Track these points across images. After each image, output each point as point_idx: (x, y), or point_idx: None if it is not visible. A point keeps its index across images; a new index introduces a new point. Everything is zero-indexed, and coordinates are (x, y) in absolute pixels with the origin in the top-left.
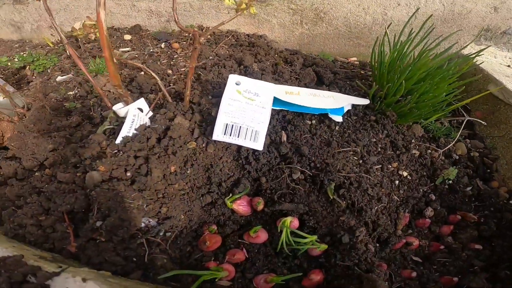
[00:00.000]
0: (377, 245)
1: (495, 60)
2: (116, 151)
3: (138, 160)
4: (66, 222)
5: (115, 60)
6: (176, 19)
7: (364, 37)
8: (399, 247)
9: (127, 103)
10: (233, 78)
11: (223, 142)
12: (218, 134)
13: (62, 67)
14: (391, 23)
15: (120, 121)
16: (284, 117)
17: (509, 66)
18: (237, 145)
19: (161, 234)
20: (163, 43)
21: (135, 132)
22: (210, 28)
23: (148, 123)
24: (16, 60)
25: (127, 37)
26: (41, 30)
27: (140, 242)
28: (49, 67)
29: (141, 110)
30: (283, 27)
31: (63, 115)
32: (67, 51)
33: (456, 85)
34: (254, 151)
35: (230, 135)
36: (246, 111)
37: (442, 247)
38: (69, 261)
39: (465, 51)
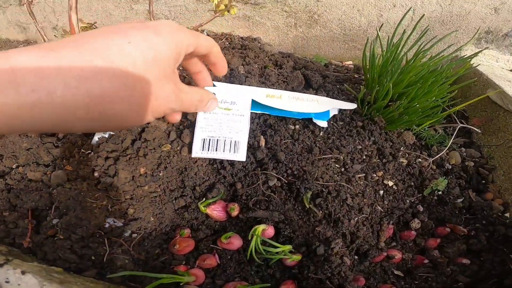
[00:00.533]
0: (356, 257)
1: (497, 64)
2: (89, 151)
3: (108, 161)
4: (28, 219)
5: None
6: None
7: (360, 40)
8: (379, 260)
9: None
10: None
11: (206, 157)
12: (196, 151)
13: None
14: (383, 24)
15: None
16: (266, 121)
17: (511, 70)
18: (218, 159)
19: (126, 235)
20: None
21: (111, 133)
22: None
23: None
24: None
25: None
26: (46, 31)
27: (100, 241)
28: None
29: None
30: (277, 30)
31: None
32: None
33: (451, 89)
34: None
35: (209, 150)
36: (222, 122)
37: (426, 261)
38: (25, 256)
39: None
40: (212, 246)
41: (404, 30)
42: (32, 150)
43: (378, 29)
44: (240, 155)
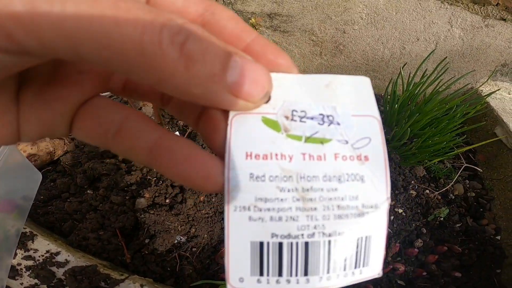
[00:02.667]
0: None
1: (508, 96)
2: (155, 178)
3: (175, 189)
4: (119, 237)
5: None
6: None
7: (381, 70)
8: (386, 271)
9: None
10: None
11: None
12: (241, 276)
13: None
14: (406, 63)
15: None
16: None
17: None
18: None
19: (189, 249)
20: None
21: None
22: None
23: None
24: None
25: None
26: None
27: (173, 256)
28: None
29: None
30: (303, 57)
31: None
32: None
33: (461, 130)
34: None
35: (283, 274)
36: (313, 184)
37: (424, 273)
38: (121, 269)
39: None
40: None
41: (426, 69)
42: (110, 176)
43: (402, 68)
44: (375, 270)
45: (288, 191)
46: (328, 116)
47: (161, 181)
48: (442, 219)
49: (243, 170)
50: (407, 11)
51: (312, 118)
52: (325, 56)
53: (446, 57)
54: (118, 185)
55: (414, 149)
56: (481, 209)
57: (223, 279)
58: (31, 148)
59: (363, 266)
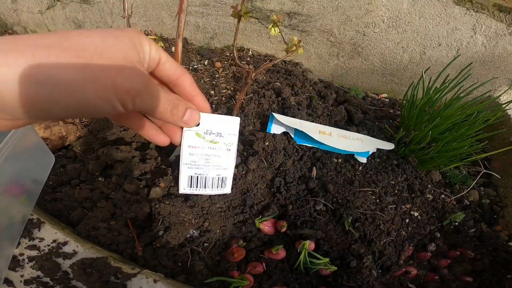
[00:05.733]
0: (380, 271)
1: None
2: (170, 168)
3: None
4: (130, 228)
5: None
6: (236, 58)
7: (398, 74)
8: (398, 274)
9: None
10: None
11: (194, 193)
12: (184, 188)
13: None
14: (429, 67)
15: None
16: (314, 154)
17: None
18: (205, 194)
19: (201, 244)
20: (206, 60)
21: None
22: (260, 66)
23: None
24: None
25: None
26: None
27: (185, 250)
28: None
29: None
30: (319, 57)
31: (121, 125)
32: None
33: (480, 137)
34: (286, 182)
35: (197, 187)
36: (210, 158)
37: (436, 277)
38: (130, 262)
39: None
40: (261, 255)
41: (448, 75)
42: (125, 164)
43: (423, 72)
44: (227, 189)
45: (201, 158)
46: (219, 133)
47: (176, 171)
48: (457, 223)
49: (187, 151)
50: (431, 16)
51: (213, 133)
52: (342, 58)
53: (471, 62)
54: (132, 173)
55: (433, 153)
56: (495, 216)
57: (233, 276)
58: (44, 132)
59: (222, 187)
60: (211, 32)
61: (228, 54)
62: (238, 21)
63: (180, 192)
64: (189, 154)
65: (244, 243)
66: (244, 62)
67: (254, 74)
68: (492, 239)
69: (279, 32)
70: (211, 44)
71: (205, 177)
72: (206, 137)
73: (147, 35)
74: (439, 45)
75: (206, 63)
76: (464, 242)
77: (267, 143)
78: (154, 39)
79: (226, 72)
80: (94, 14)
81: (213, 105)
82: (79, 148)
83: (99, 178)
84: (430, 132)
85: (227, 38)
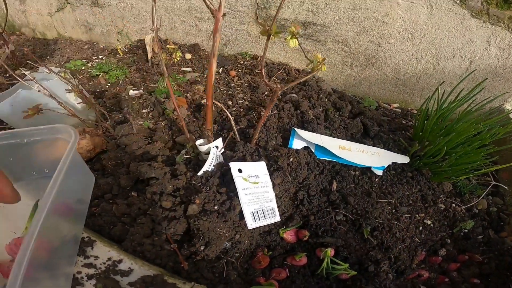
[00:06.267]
0: (395, 274)
1: None
2: (200, 184)
3: (222, 196)
4: (171, 243)
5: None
6: (264, 77)
7: (411, 84)
8: (411, 277)
9: (208, 142)
10: (234, 167)
11: (259, 226)
12: (251, 223)
13: (133, 81)
14: (444, 81)
15: (196, 153)
16: (334, 167)
17: None
18: (266, 225)
19: (234, 255)
20: (220, 68)
21: (213, 168)
22: (286, 85)
23: (222, 160)
24: (89, 65)
25: (188, 56)
26: (110, 34)
27: (222, 262)
28: (121, 79)
29: (217, 147)
30: (332, 67)
31: (145, 137)
32: (136, 63)
33: (492, 150)
34: (309, 195)
35: (259, 219)
36: (258, 195)
37: (446, 279)
38: (176, 276)
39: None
40: (284, 262)
41: (463, 88)
42: (159, 180)
43: (439, 86)
44: (277, 217)
45: (253, 197)
46: (257, 175)
47: (207, 187)
48: (466, 230)
49: (242, 192)
50: (447, 28)
51: (253, 176)
52: (355, 68)
53: (487, 78)
54: (166, 189)
55: (446, 166)
56: (502, 223)
57: (259, 282)
58: None
59: (274, 216)
60: (224, 38)
61: (242, 62)
62: (267, 40)
63: (249, 228)
64: (245, 195)
65: (269, 252)
66: (258, 71)
67: (280, 92)
68: (499, 244)
69: (298, 44)
70: (224, 51)
71: (262, 210)
72: (249, 179)
73: (165, 44)
74: (453, 56)
75: (220, 71)
76: (473, 247)
77: (291, 159)
78: (173, 49)
79: (241, 81)
80: (105, 18)
81: (232, 117)
82: (109, 163)
83: (132, 193)
84: (446, 146)
85: (239, 45)
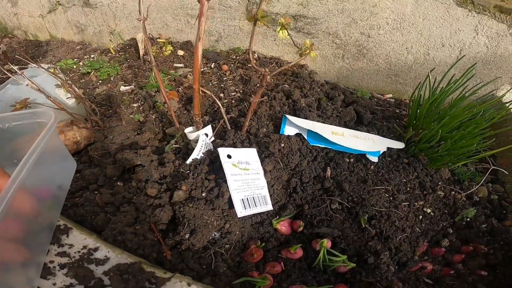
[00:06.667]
0: (396, 267)
1: None
2: (188, 171)
3: (210, 183)
4: (155, 232)
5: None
6: (253, 62)
7: (403, 75)
8: (414, 270)
9: (197, 129)
10: (223, 152)
11: (249, 214)
12: (241, 211)
13: (125, 77)
14: (434, 67)
15: (185, 142)
16: (327, 155)
17: None
18: (256, 213)
19: (223, 246)
20: (213, 63)
21: (202, 155)
22: (277, 69)
23: (212, 148)
24: (81, 64)
25: (180, 52)
26: (102, 34)
27: (209, 252)
28: (113, 75)
29: (206, 135)
30: (324, 59)
31: (134, 129)
32: (128, 60)
33: (488, 134)
34: (302, 182)
35: (250, 207)
36: (248, 181)
37: (452, 271)
38: (159, 266)
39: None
40: (278, 255)
41: (453, 75)
42: (145, 167)
43: (430, 72)
44: (269, 206)
45: (243, 183)
46: (247, 162)
47: (196, 174)
48: (468, 219)
49: (231, 178)
50: (434, 18)
51: (243, 163)
52: (347, 59)
53: (476, 63)
54: (152, 177)
55: (442, 151)
56: (504, 211)
57: (253, 276)
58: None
59: (266, 204)
60: (216, 35)
61: (234, 57)
62: (254, 25)
63: (239, 216)
64: (234, 181)
65: (262, 244)
66: (250, 65)
67: (269, 77)
68: (503, 233)
69: (288, 35)
70: (216, 47)
71: (252, 197)
72: (239, 165)
73: (156, 39)
74: (443, 46)
75: (212, 66)
76: (476, 237)
77: (282, 145)
78: (163, 42)
79: (233, 75)
80: (96, 18)
81: (223, 108)
82: (95, 153)
83: (118, 183)
84: (440, 130)
85: (232, 41)
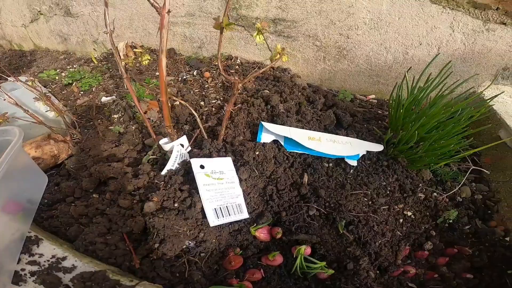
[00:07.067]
0: (378, 272)
1: (510, 100)
2: (162, 182)
3: (183, 193)
4: (126, 242)
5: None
6: (222, 70)
7: (384, 75)
8: (397, 274)
9: (172, 140)
10: (195, 163)
11: (223, 223)
12: (213, 220)
13: (106, 88)
14: (411, 67)
15: (162, 153)
16: (305, 160)
17: None
18: (231, 222)
19: (198, 254)
20: (195, 70)
21: (177, 166)
22: (246, 77)
23: (188, 158)
24: (63, 74)
25: None
26: (85, 44)
27: (182, 261)
28: (94, 86)
29: (182, 145)
30: (306, 62)
31: (113, 140)
32: (110, 70)
33: (467, 133)
34: (278, 190)
35: (223, 216)
36: (222, 191)
37: (436, 275)
38: (129, 275)
39: (482, 92)
40: (258, 262)
41: (430, 74)
42: (118, 180)
43: (406, 72)
44: (244, 214)
45: (216, 193)
46: (221, 171)
47: (169, 185)
48: (451, 221)
49: (204, 188)
50: (410, 16)
51: (217, 172)
52: (328, 61)
53: (450, 61)
54: (126, 189)
55: (421, 152)
56: (489, 211)
57: (232, 284)
58: (35, 151)
59: (241, 213)
60: (198, 41)
61: (217, 63)
62: (221, 33)
63: (211, 225)
64: (207, 191)
65: (241, 251)
66: (233, 71)
67: (240, 85)
68: (488, 235)
69: (264, 40)
70: (199, 54)
71: (226, 206)
72: (212, 175)
73: (133, 47)
74: (420, 44)
75: (195, 73)
76: (460, 239)
77: (257, 153)
78: (140, 52)
79: (215, 82)
80: (78, 27)
81: (203, 116)
82: (71, 166)
83: (94, 195)
84: (417, 132)
85: (214, 47)
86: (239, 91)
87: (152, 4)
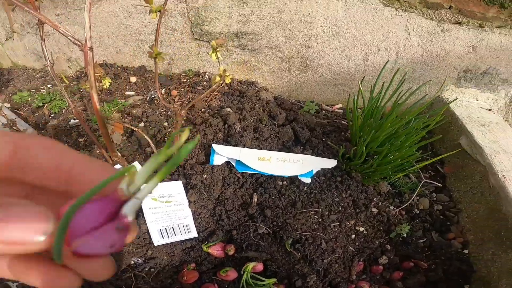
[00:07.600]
0: None
1: (476, 103)
2: None
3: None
4: None
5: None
6: (162, 99)
7: (348, 83)
8: None
9: (123, 166)
10: None
11: (168, 242)
12: (158, 240)
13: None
14: (364, 77)
15: None
16: (257, 180)
17: (490, 109)
18: (182, 240)
19: (146, 269)
20: (163, 88)
21: None
22: (189, 104)
23: None
24: (36, 96)
25: (133, 79)
26: (60, 62)
27: (129, 275)
28: (64, 108)
29: None
30: (272, 74)
31: None
32: (81, 91)
33: (423, 143)
34: (226, 210)
35: (169, 236)
36: (169, 213)
37: None
38: None
39: (445, 95)
40: (213, 277)
41: (383, 82)
42: None
43: (360, 83)
44: (193, 233)
45: (163, 215)
46: (170, 195)
47: None
48: (404, 235)
49: (149, 211)
50: (365, 21)
51: (165, 196)
52: (293, 72)
53: (399, 68)
54: None
55: (374, 166)
56: (448, 223)
57: None
58: None
59: (189, 232)
60: (167, 58)
61: (185, 80)
62: (155, 64)
63: (156, 244)
64: (152, 214)
65: (196, 266)
66: (200, 88)
67: (183, 112)
68: (443, 248)
69: (217, 58)
70: (169, 70)
71: (172, 227)
72: (160, 199)
73: (105, 65)
74: (379, 50)
75: (163, 92)
76: (416, 252)
77: (205, 176)
78: (100, 76)
79: (182, 100)
80: (51, 45)
81: (165, 138)
82: None
83: None
84: (364, 148)
85: (183, 63)
86: (203, 110)
87: (73, 42)
